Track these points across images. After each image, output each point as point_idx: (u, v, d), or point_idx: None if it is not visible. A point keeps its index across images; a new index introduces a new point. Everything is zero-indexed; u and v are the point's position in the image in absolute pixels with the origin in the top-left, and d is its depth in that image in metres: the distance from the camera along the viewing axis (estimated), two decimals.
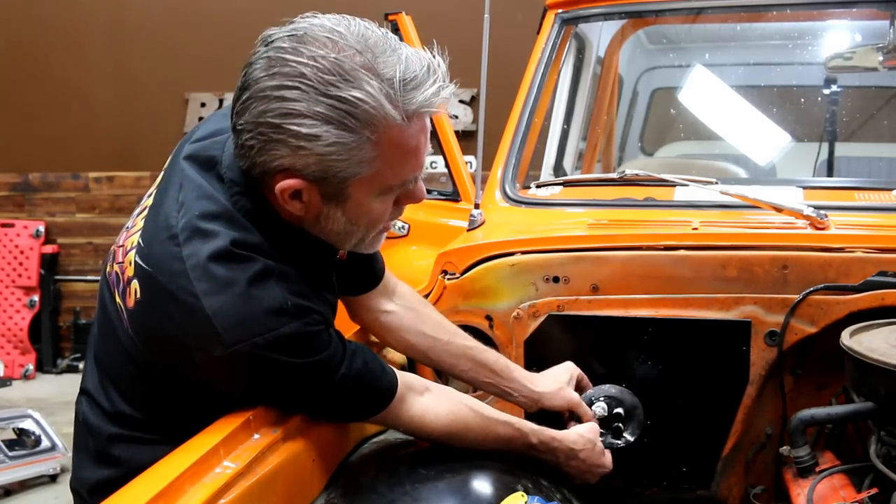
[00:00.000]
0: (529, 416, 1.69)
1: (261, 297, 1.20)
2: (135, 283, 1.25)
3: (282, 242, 1.27)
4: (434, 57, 1.22)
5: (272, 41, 1.19)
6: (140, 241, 1.28)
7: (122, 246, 1.33)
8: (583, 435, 1.61)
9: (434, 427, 1.43)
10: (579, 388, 1.77)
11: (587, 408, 1.74)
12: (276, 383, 1.25)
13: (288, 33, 1.19)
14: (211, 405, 1.26)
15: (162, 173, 1.37)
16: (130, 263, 1.27)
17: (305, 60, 1.15)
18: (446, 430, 1.44)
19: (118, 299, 1.31)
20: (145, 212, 1.33)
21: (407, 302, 1.68)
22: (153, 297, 1.23)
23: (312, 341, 1.25)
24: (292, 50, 1.16)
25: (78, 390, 1.44)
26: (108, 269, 1.37)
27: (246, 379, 1.24)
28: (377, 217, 1.30)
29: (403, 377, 1.41)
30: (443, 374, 1.94)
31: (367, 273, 1.61)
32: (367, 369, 1.33)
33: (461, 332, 1.72)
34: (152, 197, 1.34)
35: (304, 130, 1.15)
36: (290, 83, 1.15)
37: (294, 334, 1.21)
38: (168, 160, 1.38)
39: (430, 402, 1.44)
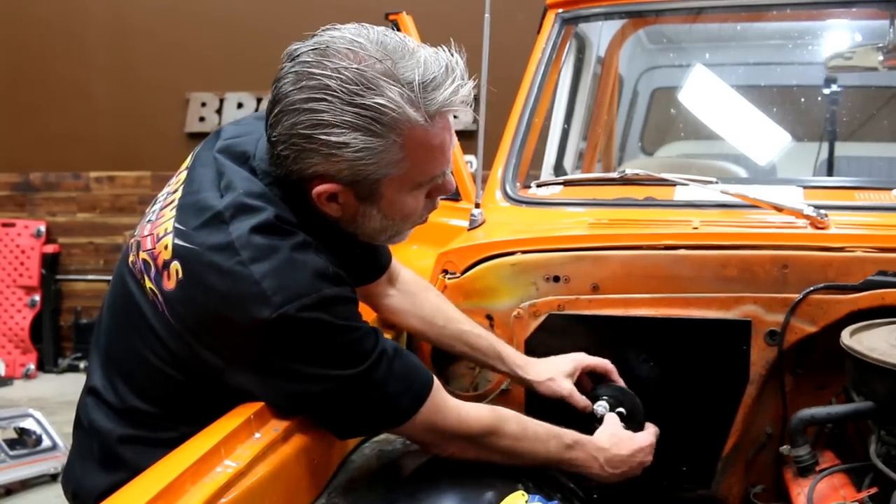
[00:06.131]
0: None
1: (305, 262, 1.25)
2: (175, 264, 1.27)
3: (313, 230, 1.31)
4: (452, 55, 1.27)
5: (297, 56, 1.24)
6: (178, 225, 1.30)
7: (151, 235, 1.34)
8: (606, 431, 1.64)
9: (479, 418, 1.43)
10: (582, 383, 1.78)
11: (580, 397, 1.74)
12: (319, 351, 1.25)
13: (311, 47, 1.24)
14: (230, 400, 1.27)
15: (185, 172, 1.40)
16: (167, 247, 1.29)
17: (329, 73, 1.20)
18: (491, 421, 1.44)
19: (150, 285, 1.31)
20: (174, 203, 1.35)
21: (406, 287, 1.74)
22: (197, 273, 1.25)
23: (353, 308, 1.30)
24: (317, 63, 1.22)
25: (80, 391, 1.44)
26: (131, 260, 1.37)
27: (290, 346, 1.24)
28: (411, 211, 1.36)
29: (435, 378, 1.41)
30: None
31: (373, 264, 1.65)
32: (403, 354, 1.35)
33: (459, 316, 1.77)
34: (179, 192, 1.36)
35: (333, 139, 1.22)
36: (317, 95, 1.21)
37: (337, 296, 1.26)
38: (189, 160, 1.42)
39: (461, 400, 1.45)
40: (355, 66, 1.21)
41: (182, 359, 1.30)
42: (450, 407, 1.39)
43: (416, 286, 1.76)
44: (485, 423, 1.43)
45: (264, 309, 1.21)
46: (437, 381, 1.39)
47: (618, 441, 1.63)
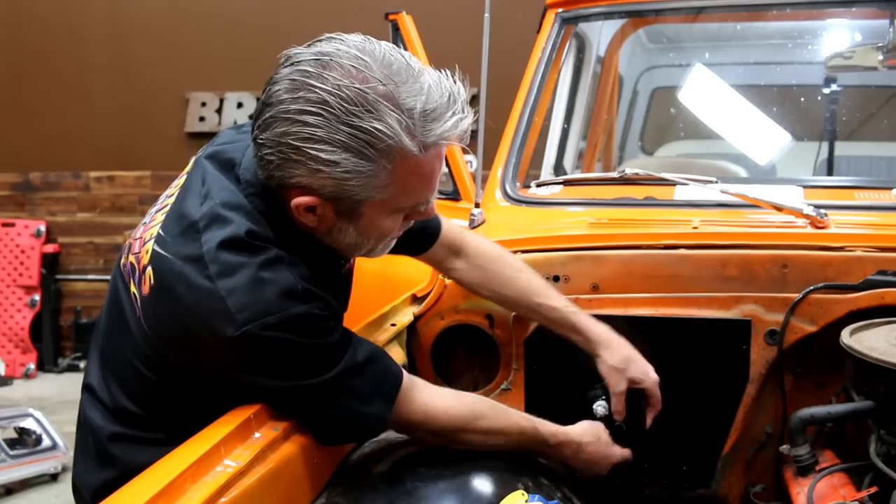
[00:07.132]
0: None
1: (273, 280, 1.23)
2: (149, 270, 1.28)
3: (291, 243, 1.30)
4: (455, 83, 1.25)
5: (297, 62, 1.21)
6: (160, 231, 1.30)
7: (140, 238, 1.35)
8: (587, 428, 1.63)
9: (447, 414, 1.42)
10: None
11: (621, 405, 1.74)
12: (284, 367, 1.25)
13: (314, 57, 1.20)
14: (213, 405, 1.26)
15: (185, 176, 1.40)
16: (147, 252, 1.30)
17: (329, 88, 1.17)
18: (461, 418, 1.44)
19: (133, 289, 1.32)
20: (167, 208, 1.35)
21: (476, 260, 1.76)
22: (167, 281, 1.25)
23: (321, 324, 1.28)
24: (317, 75, 1.18)
25: (79, 389, 1.45)
26: (122, 261, 1.38)
27: (254, 362, 1.24)
28: (387, 232, 1.34)
29: (406, 374, 1.41)
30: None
31: (420, 235, 1.65)
32: (376, 357, 1.35)
33: (534, 287, 1.76)
34: (174, 197, 1.37)
35: (323, 156, 1.19)
36: (313, 109, 1.18)
37: (303, 314, 1.24)
38: (190, 163, 1.42)
39: (437, 392, 1.45)
40: (357, 85, 1.17)
41: (157, 363, 1.30)
42: (417, 404, 1.39)
43: (486, 259, 1.76)
44: (453, 420, 1.43)
45: (228, 326, 1.20)
46: (406, 378, 1.38)
47: (596, 440, 1.62)
